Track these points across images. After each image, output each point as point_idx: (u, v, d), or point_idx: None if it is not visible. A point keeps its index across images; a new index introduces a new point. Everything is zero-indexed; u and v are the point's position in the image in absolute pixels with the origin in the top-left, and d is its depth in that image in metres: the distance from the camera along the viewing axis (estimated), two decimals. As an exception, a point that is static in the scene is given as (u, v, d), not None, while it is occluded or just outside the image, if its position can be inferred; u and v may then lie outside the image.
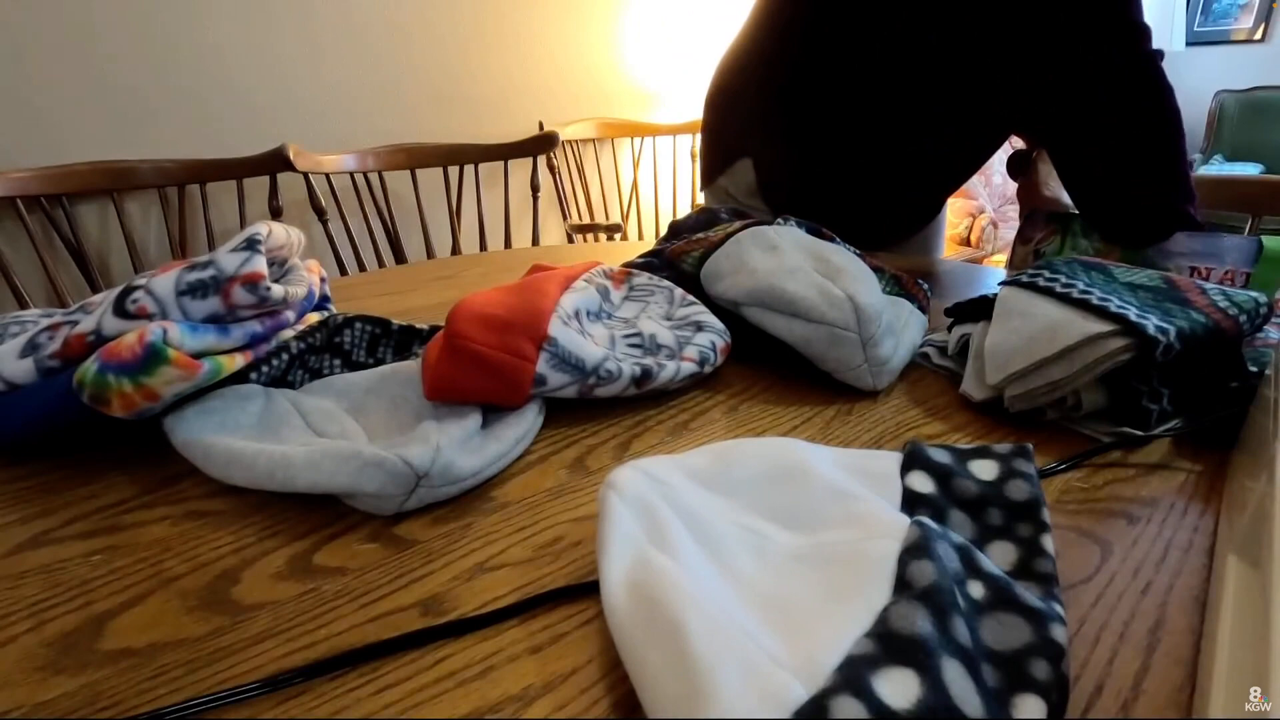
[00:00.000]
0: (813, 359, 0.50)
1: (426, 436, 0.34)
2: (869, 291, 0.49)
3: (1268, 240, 0.62)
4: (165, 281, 0.37)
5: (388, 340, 0.50)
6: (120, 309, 0.37)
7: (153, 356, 0.34)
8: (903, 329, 0.53)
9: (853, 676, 0.21)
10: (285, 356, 0.44)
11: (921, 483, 0.32)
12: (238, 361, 0.39)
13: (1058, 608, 0.25)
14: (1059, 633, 0.24)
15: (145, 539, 0.33)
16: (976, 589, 0.25)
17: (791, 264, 0.53)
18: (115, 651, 0.26)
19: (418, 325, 0.51)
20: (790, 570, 0.27)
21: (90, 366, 0.34)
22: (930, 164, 0.83)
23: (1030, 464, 0.32)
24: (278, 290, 0.40)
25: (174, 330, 0.35)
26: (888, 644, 0.22)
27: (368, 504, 0.34)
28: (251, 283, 0.38)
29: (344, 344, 0.48)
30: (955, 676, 0.21)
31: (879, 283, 0.56)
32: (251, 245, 0.39)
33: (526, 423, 0.41)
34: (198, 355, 0.36)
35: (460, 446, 0.36)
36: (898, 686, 0.20)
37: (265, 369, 0.43)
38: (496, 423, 0.40)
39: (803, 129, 0.81)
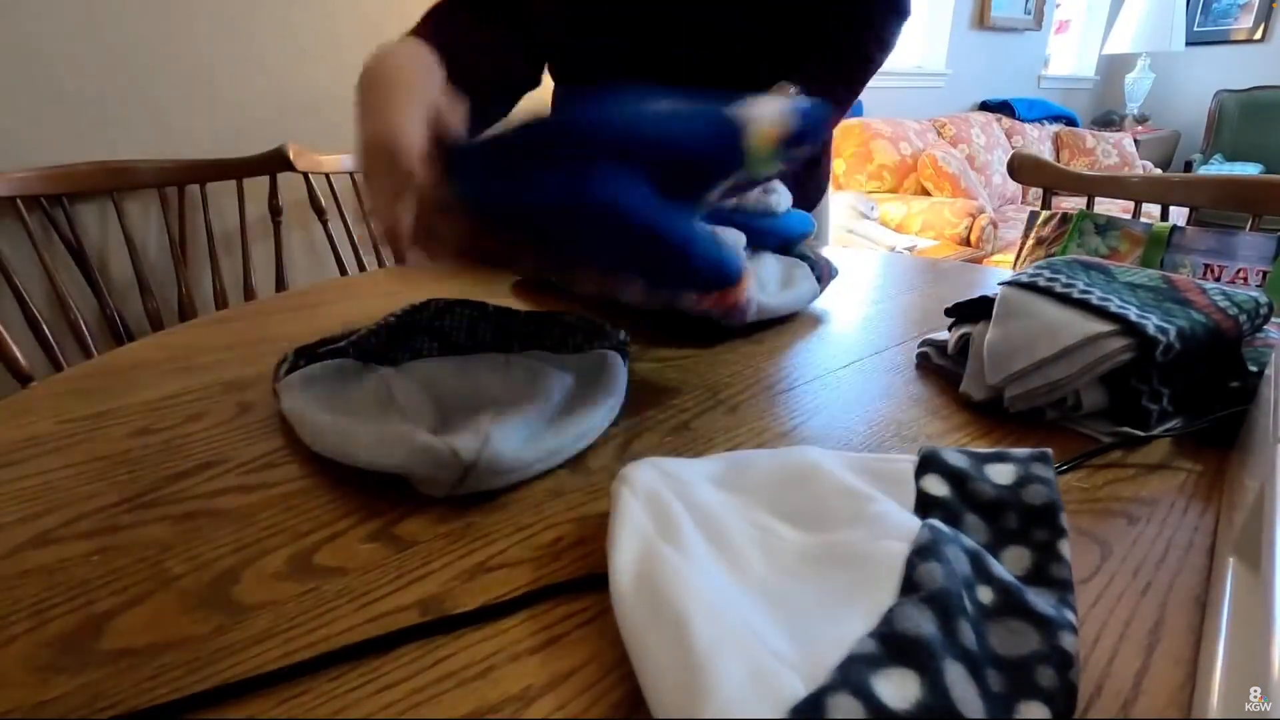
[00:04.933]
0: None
1: (479, 426, 0.35)
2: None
3: None
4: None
5: (486, 321, 0.50)
6: None
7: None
8: (787, 282, 0.63)
9: (852, 675, 0.21)
10: (384, 333, 0.47)
11: (936, 486, 0.32)
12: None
13: (1070, 615, 0.25)
14: (1069, 641, 0.23)
15: (145, 539, 0.33)
16: (986, 594, 0.25)
17: None
18: (115, 651, 0.26)
19: (515, 309, 0.51)
20: (798, 568, 0.27)
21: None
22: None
23: (1049, 469, 0.31)
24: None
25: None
26: (890, 644, 0.22)
27: (424, 486, 0.35)
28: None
29: (444, 327, 0.49)
30: (957, 679, 0.21)
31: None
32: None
33: (594, 419, 0.41)
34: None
35: (513, 438, 0.36)
36: (897, 687, 0.20)
37: (364, 345, 0.46)
38: (564, 417, 0.40)
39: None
